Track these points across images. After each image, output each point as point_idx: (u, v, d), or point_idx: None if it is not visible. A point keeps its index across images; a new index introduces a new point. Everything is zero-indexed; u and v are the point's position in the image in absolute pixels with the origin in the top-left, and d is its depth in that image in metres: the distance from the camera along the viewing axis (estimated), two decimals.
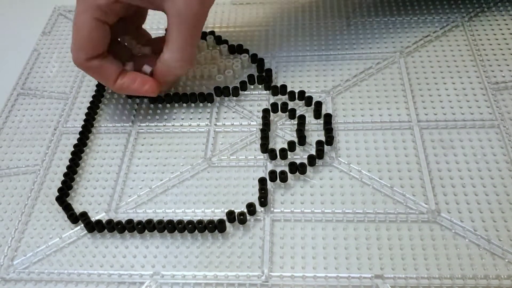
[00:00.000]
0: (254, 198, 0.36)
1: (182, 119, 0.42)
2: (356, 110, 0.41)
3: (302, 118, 0.39)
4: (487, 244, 0.32)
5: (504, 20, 0.47)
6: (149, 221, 0.34)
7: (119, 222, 0.34)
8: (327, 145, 0.38)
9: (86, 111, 0.42)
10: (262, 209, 0.35)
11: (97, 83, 0.44)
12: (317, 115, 0.40)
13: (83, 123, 0.41)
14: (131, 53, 0.42)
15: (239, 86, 0.43)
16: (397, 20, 0.48)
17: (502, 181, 0.35)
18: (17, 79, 0.47)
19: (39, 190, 0.38)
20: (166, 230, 0.34)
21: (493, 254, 0.32)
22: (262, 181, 0.36)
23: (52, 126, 0.42)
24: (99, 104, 0.43)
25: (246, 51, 0.46)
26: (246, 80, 0.43)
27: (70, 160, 0.38)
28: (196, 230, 0.34)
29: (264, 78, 0.43)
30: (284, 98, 0.42)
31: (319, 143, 0.37)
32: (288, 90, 0.41)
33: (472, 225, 0.33)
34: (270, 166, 0.37)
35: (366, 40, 0.46)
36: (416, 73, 0.43)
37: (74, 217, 0.35)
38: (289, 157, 0.38)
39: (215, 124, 0.41)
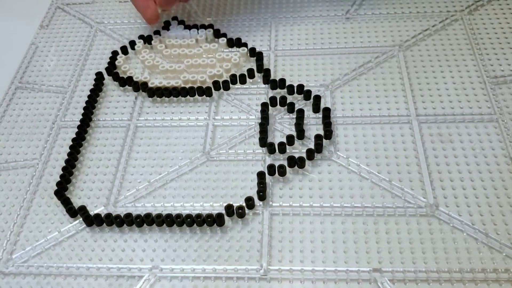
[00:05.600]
0: (253, 192, 0.36)
1: (181, 113, 0.41)
2: (355, 104, 0.41)
3: (301, 112, 0.39)
4: (485, 238, 0.32)
5: (504, 14, 0.47)
6: (148, 215, 0.34)
7: (118, 216, 0.34)
8: (325, 139, 0.38)
9: (85, 105, 0.42)
10: (261, 203, 0.35)
11: (95, 76, 0.44)
12: (316, 109, 0.40)
13: (81, 117, 0.41)
14: None
15: (237, 79, 0.43)
16: (396, 14, 0.48)
17: (500, 175, 0.35)
18: (15, 72, 0.46)
19: (37, 184, 0.38)
20: (164, 224, 0.34)
21: (491, 248, 0.32)
22: (260, 175, 0.36)
23: (51, 120, 0.42)
24: (98, 98, 0.43)
25: (245, 44, 0.45)
26: (245, 73, 0.43)
27: (69, 154, 0.38)
28: (195, 224, 0.34)
29: (263, 72, 0.43)
30: (283, 92, 0.42)
31: (317, 137, 0.37)
32: (287, 84, 0.41)
33: (470, 219, 0.33)
34: (268, 160, 0.37)
35: (365, 34, 0.46)
36: (415, 67, 0.43)
37: (73, 211, 0.35)
38: (287, 151, 0.38)
39: (214, 118, 0.41)
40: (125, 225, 0.35)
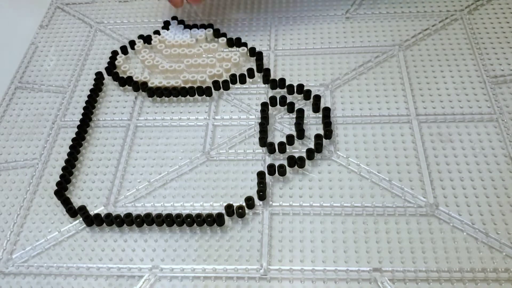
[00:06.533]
0: (253, 192, 0.36)
1: (181, 112, 0.41)
2: (355, 103, 0.41)
3: (300, 112, 0.39)
4: (485, 237, 0.32)
5: (503, 13, 0.47)
6: (148, 215, 0.34)
7: (118, 216, 0.34)
8: (325, 138, 0.38)
9: (84, 104, 0.42)
10: (261, 202, 0.35)
11: (95, 76, 0.44)
12: (315, 108, 0.40)
13: (81, 116, 0.41)
14: None
15: (237, 79, 0.43)
16: (396, 13, 0.48)
17: (500, 175, 0.35)
18: (15, 72, 0.46)
19: (37, 184, 0.38)
20: (164, 224, 0.34)
21: (491, 247, 0.32)
22: (260, 175, 0.36)
23: (50, 120, 0.42)
24: (97, 98, 0.43)
25: (245, 44, 0.45)
26: (245, 73, 0.43)
27: (69, 154, 0.38)
28: (195, 224, 0.34)
29: (262, 71, 0.43)
30: (283, 91, 0.42)
31: (317, 137, 0.37)
32: (286, 84, 0.41)
33: (470, 218, 0.33)
34: (268, 160, 0.37)
35: (365, 34, 0.46)
36: (415, 67, 0.43)
37: (73, 211, 0.35)
38: (287, 150, 0.38)
39: (214, 118, 0.41)
40: (125, 225, 0.35)
